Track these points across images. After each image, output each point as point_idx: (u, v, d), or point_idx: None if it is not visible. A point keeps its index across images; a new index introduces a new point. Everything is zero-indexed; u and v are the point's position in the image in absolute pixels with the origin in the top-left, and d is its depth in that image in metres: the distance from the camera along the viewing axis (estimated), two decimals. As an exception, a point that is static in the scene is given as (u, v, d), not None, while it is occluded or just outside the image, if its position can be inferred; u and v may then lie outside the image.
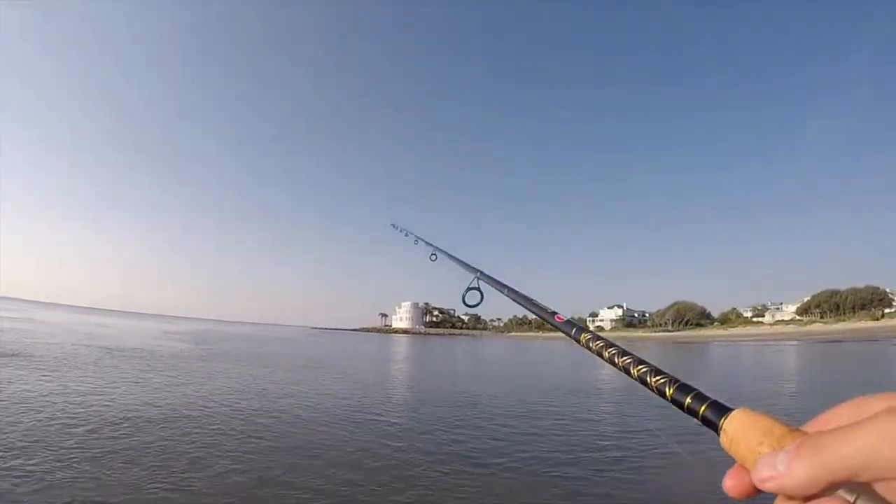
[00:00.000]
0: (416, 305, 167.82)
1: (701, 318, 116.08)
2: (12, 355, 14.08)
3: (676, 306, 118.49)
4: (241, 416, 8.34)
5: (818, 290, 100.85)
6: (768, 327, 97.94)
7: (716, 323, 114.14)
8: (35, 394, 8.80)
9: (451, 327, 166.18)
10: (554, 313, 0.85)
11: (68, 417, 7.28)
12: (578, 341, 0.72)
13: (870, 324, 78.14)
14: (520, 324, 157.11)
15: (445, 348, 48.29)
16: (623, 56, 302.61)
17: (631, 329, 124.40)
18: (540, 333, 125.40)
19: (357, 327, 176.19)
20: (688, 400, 0.48)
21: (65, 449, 5.74)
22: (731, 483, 0.39)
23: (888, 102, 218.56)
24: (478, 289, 1.42)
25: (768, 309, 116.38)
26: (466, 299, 1.45)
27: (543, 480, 5.66)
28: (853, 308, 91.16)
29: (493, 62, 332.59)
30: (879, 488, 0.31)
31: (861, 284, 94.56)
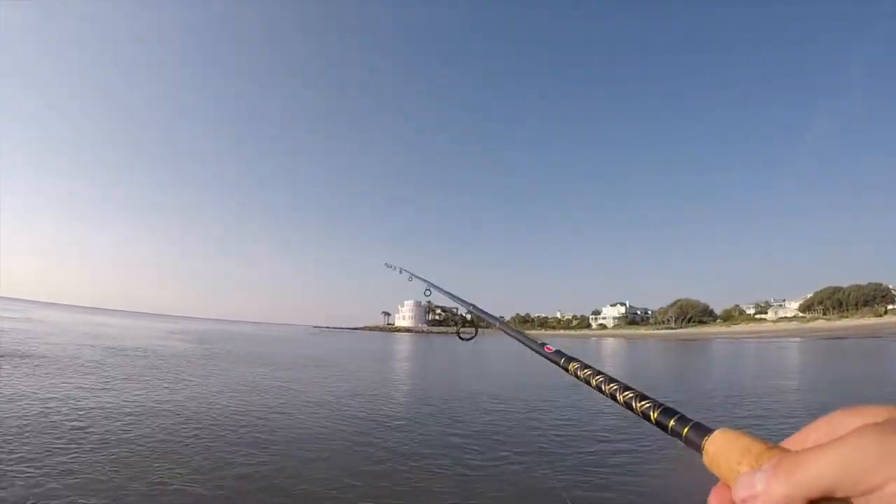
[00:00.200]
0: (418, 304, 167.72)
1: (704, 315, 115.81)
2: (13, 356, 14.11)
3: (679, 303, 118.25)
4: (245, 416, 8.35)
5: (821, 287, 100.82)
6: (771, 324, 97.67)
7: (718, 320, 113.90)
8: (38, 393, 8.82)
9: (453, 325, 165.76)
10: (543, 344, 0.89)
11: (71, 418, 7.31)
12: (567, 370, 0.74)
13: (872, 320, 77.98)
14: (522, 321, 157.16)
15: (448, 347, 48.30)
16: (623, 56, 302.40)
17: (634, 327, 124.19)
18: (542, 332, 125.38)
19: (359, 326, 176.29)
20: (671, 423, 0.50)
21: (69, 448, 5.76)
22: (715, 501, 0.40)
23: (889, 102, 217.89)
24: (472, 322, 1.62)
25: (771, 306, 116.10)
26: (461, 334, 1.69)
27: (544, 479, 5.66)
28: (856, 305, 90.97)
29: (493, 62, 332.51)
30: (857, 502, 0.31)
31: (864, 281, 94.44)
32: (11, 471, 4.93)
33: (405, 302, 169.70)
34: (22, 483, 4.64)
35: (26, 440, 5.97)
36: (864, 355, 30.32)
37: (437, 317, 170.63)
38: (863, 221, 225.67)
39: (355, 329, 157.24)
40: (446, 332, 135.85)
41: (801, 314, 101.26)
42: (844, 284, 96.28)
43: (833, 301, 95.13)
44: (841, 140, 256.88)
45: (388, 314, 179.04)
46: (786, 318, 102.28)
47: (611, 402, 0.60)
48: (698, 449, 0.44)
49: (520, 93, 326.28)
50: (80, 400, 8.62)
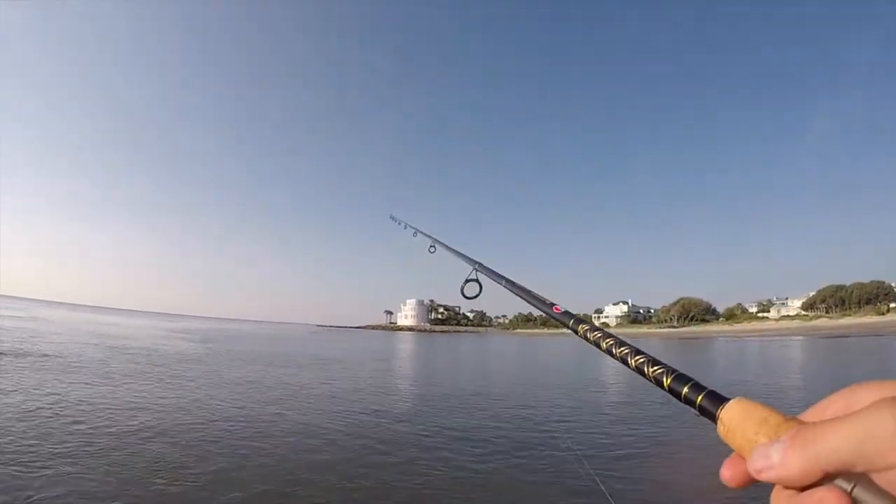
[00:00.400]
0: (420, 303, 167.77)
1: (706, 313, 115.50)
2: (17, 354, 14.20)
3: (681, 302, 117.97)
4: (250, 415, 8.41)
5: (823, 286, 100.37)
6: (773, 322, 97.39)
7: (721, 319, 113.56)
8: (42, 393, 8.89)
9: (456, 324, 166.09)
10: (552, 304, 0.85)
11: (71, 416, 7.37)
12: (576, 332, 0.72)
13: (875, 318, 77.65)
14: (525, 320, 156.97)
15: (451, 345, 48.33)
16: (624, 56, 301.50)
17: (636, 325, 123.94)
18: (545, 330, 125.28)
19: (362, 325, 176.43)
20: (685, 390, 0.48)
21: (74, 448, 5.81)
22: (727, 473, 0.39)
23: (889, 102, 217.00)
24: (476, 280, 1.43)
25: (773, 304, 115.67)
26: (465, 291, 1.46)
27: (545, 477, 5.71)
28: (859, 303, 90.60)
29: (493, 62, 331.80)
30: (876, 477, 0.31)
31: (866, 279, 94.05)
32: (11, 470, 4.98)
33: (407, 301, 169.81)
34: (23, 481, 4.68)
35: (28, 438, 6.02)
36: (867, 353, 30.25)
37: (439, 315, 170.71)
38: (863, 221, 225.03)
39: (358, 328, 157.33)
40: (449, 331, 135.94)
41: (803, 312, 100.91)
42: (847, 282, 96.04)
43: (836, 299, 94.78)
44: (841, 140, 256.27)
45: (390, 313, 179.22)
46: (788, 316, 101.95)
47: (621, 366, 0.58)
48: (713, 418, 0.43)
49: (520, 93, 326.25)
50: (82, 398, 8.68)
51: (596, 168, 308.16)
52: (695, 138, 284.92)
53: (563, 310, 0.81)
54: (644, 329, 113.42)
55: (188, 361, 16.86)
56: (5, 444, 5.70)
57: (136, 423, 7.20)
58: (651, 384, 0.54)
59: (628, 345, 0.61)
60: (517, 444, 7.10)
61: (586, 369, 20.45)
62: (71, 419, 7.11)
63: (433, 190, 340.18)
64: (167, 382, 11.42)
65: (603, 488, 4.40)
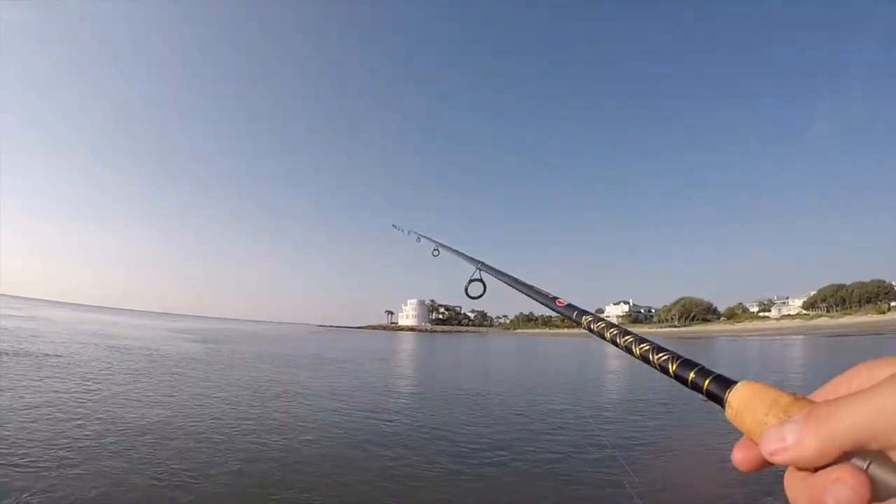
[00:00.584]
0: (422, 303, 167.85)
1: (707, 313, 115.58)
2: (18, 353, 14.21)
3: (682, 302, 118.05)
4: (251, 415, 8.41)
5: (824, 285, 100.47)
6: (774, 322, 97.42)
7: (722, 318, 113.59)
8: (42, 393, 8.88)
9: (457, 324, 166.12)
10: (555, 298, 0.86)
11: (79, 417, 7.37)
12: (580, 324, 0.72)
13: (876, 318, 77.62)
14: (526, 320, 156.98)
15: (452, 345, 48.33)
16: (624, 56, 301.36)
17: (637, 325, 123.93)
18: (546, 330, 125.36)
19: (363, 325, 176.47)
20: (691, 375, 0.48)
21: (74, 448, 5.81)
22: (739, 456, 0.38)
23: (889, 102, 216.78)
24: (480, 280, 1.43)
25: (774, 303, 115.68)
26: (469, 291, 1.46)
27: (545, 478, 5.71)
28: (859, 302, 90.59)
29: (493, 62, 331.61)
30: (893, 455, 0.30)
31: (867, 278, 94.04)
32: (11, 470, 4.97)
33: (408, 301, 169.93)
34: (23, 482, 4.68)
35: (28, 438, 6.01)
36: (868, 352, 30.19)
37: (440, 315, 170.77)
38: (863, 221, 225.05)
39: (359, 328, 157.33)
40: (450, 331, 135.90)
41: (804, 312, 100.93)
42: (847, 282, 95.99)
43: (836, 298, 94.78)
44: (841, 140, 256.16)
45: (391, 313, 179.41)
46: (789, 315, 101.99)
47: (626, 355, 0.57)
48: (721, 402, 0.42)
49: (520, 93, 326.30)
50: (82, 398, 8.68)
51: (596, 168, 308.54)
52: (695, 138, 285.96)
53: (566, 303, 0.82)
54: (645, 329, 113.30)
55: (189, 361, 16.81)
56: (5, 444, 5.70)
57: (136, 423, 7.20)
58: (657, 372, 0.53)
59: (633, 334, 0.61)
60: (525, 441, 7.10)
61: (587, 368, 20.42)
62: (71, 419, 7.11)
63: (433, 190, 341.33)
64: (168, 383, 11.41)
65: (628, 468, 4.40)
